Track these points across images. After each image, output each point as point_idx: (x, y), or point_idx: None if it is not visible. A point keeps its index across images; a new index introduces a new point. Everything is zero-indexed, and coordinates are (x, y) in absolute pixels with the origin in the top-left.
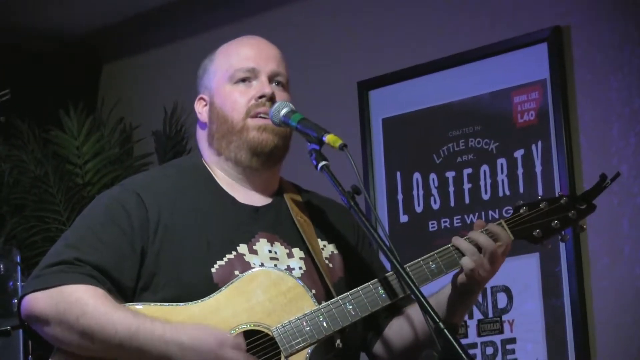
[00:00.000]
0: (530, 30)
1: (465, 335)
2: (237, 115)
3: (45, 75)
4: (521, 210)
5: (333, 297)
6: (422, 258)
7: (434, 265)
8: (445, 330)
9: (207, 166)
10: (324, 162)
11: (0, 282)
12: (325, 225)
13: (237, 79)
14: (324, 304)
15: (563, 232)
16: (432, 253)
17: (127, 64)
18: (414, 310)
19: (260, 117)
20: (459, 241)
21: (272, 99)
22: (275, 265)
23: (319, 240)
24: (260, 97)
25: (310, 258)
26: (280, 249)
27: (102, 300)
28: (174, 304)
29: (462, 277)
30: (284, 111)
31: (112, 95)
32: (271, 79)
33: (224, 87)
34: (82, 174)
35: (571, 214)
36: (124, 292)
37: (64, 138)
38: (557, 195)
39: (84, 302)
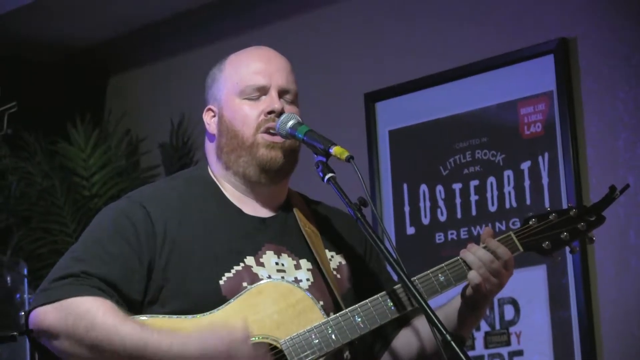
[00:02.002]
0: (537, 42)
1: (473, 348)
2: (248, 130)
3: (52, 87)
4: (530, 222)
5: (341, 308)
6: (431, 270)
7: (443, 278)
8: (453, 343)
9: (214, 178)
10: (330, 174)
11: (7, 294)
12: (333, 236)
13: (247, 94)
14: (332, 316)
15: (572, 244)
16: (441, 265)
17: (134, 76)
18: (421, 322)
19: (270, 133)
20: (465, 254)
21: (281, 115)
22: (283, 277)
23: (326, 250)
24: (270, 112)
25: (318, 269)
26: (287, 260)
27: (111, 313)
28: (182, 316)
29: (470, 290)
30: (290, 123)
31: (118, 107)
32: (280, 94)
33: (234, 100)
34: (89, 186)
35: (580, 225)
36: (131, 306)
37: (70, 150)
38: (566, 206)
39: (92, 315)
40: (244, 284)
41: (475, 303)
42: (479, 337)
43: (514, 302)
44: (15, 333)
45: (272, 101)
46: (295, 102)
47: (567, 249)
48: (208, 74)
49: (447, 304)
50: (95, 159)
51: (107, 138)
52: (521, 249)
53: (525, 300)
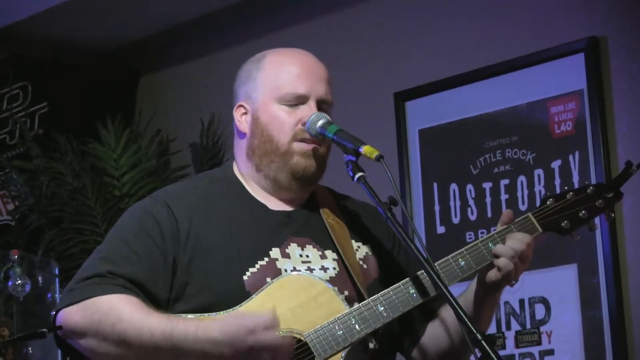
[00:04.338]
0: (567, 41)
1: (503, 347)
2: (283, 138)
3: (83, 88)
4: (548, 202)
5: (365, 299)
6: (452, 255)
7: (463, 262)
8: (483, 342)
9: (239, 177)
10: (360, 174)
11: (38, 294)
12: (360, 227)
13: (286, 100)
14: (355, 306)
15: (591, 222)
16: (461, 250)
17: (164, 76)
18: (447, 312)
19: (306, 141)
20: (498, 249)
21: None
22: (309, 268)
23: (353, 241)
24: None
25: (342, 260)
26: (312, 251)
27: (137, 307)
28: (206, 314)
29: (496, 275)
30: (320, 123)
31: (149, 107)
32: (319, 104)
33: (271, 104)
34: (120, 186)
35: (598, 203)
36: (157, 303)
37: (101, 150)
38: (583, 185)
39: (119, 310)
40: (268, 279)
41: (498, 286)
42: (509, 336)
43: (544, 302)
44: (45, 330)
45: (310, 112)
46: (329, 112)
47: (587, 227)
48: (241, 68)
49: (465, 291)
50: (125, 159)
51: (137, 138)
52: (540, 229)
53: (556, 300)
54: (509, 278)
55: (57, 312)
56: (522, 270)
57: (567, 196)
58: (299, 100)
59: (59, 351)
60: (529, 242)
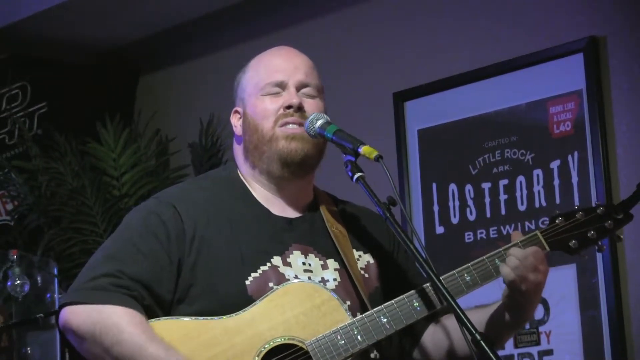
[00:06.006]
0: (566, 41)
1: (502, 347)
2: (267, 124)
3: (82, 87)
4: (557, 221)
5: (367, 308)
6: (457, 270)
7: (469, 277)
8: (482, 342)
9: (242, 178)
10: (359, 174)
11: (37, 293)
12: (360, 235)
13: (267, 91)
14: (358, 317)
15: (600, 242)
16: (467, 265)
17: (164, 76)
18: (451, 321)
19: (290, 126)
20: (502, 267)
21: (300, 109)
22: (310, 278)
23: (354, 250)
24: (288, 107)
25: (345, 269)
26: (314, 260)
27: (139, 330)
28: (209, 318)
29: (505, 290)
30: (319, 123)
31: (148, 107)
32: (299, 88)
33: (255, 98)
34: (119, 185)
35: (608, 224)
36: (161, 304)
37: (100, 150)
38: (593, 205)
39: (119, 329)
40: (270, 284)
41: (516, 305)
42: None
43: (543, 302)
44: (41, 315)
45: (290, 96)
46: (319, 97)
47: (595, 247)
48: (235, 77)
49: (487, 306)
50: (125, 158)
51: (136, 138)
52: (547, 248)
53: (555, 300)
54: (518, 289)
55: (61, 307)
56: (533, 280)
57: (577, 215)
58: (279, 88)
59: (58, 351)
60: (533, 251)
